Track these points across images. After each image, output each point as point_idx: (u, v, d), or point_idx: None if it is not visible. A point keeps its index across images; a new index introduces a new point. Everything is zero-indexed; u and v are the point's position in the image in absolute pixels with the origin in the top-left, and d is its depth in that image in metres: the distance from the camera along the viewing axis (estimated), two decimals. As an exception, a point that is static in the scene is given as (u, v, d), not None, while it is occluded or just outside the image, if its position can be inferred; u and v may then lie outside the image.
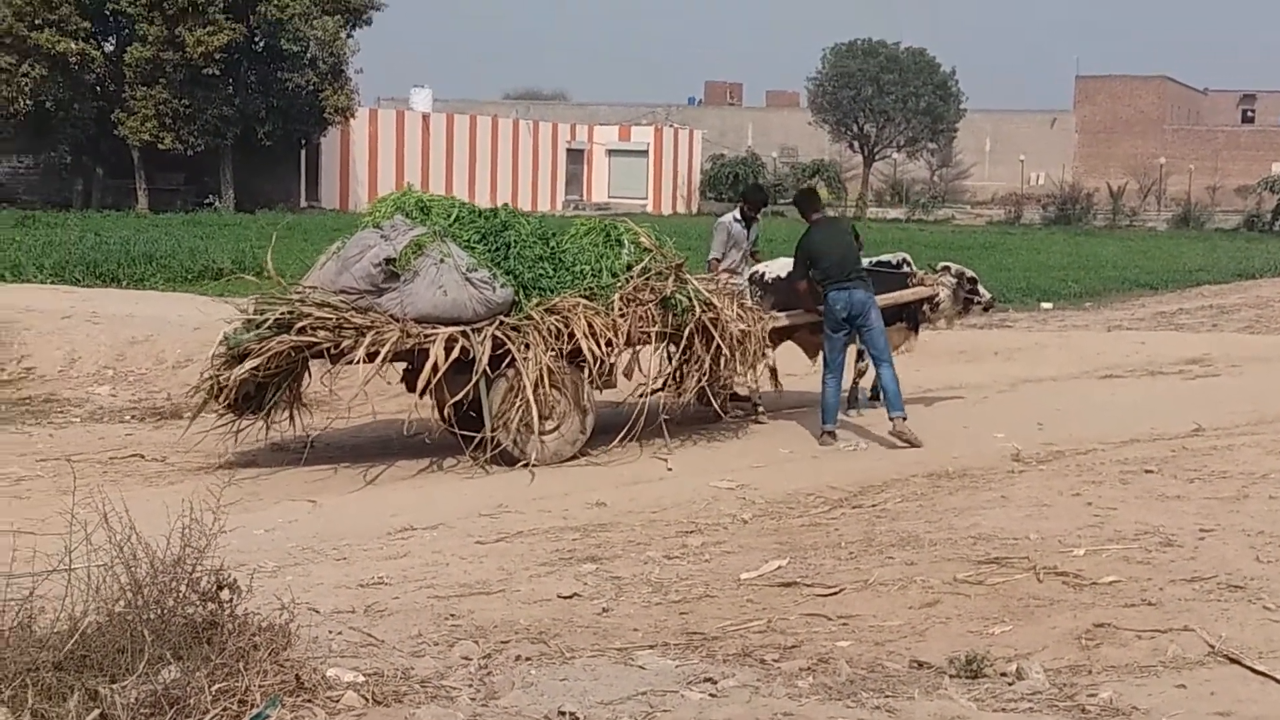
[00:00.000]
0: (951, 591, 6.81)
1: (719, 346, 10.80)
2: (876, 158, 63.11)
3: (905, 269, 12.50)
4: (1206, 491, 8.88)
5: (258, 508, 9.03)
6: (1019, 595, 6.71)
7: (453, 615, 6.53)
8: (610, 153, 60.21)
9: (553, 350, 10.05)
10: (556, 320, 10.16)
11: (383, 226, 10.28)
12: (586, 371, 10.29)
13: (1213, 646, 5.86)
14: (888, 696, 5.35)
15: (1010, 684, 5.48)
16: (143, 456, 10.47)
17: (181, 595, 5.16)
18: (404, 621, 6.39)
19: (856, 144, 63.24)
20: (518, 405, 9.94)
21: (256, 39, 41.28)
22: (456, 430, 10.10)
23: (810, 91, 64.35)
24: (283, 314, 9.78)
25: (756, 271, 12.46)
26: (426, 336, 9.81)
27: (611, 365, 10.59)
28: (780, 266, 12.38)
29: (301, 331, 9.69)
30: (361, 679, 5.12)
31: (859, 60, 61.13)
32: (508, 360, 10.02)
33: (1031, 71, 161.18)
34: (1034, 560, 7.24)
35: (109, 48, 40.90)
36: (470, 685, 5.38)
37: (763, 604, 6.74)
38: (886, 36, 62.25)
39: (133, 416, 12.71)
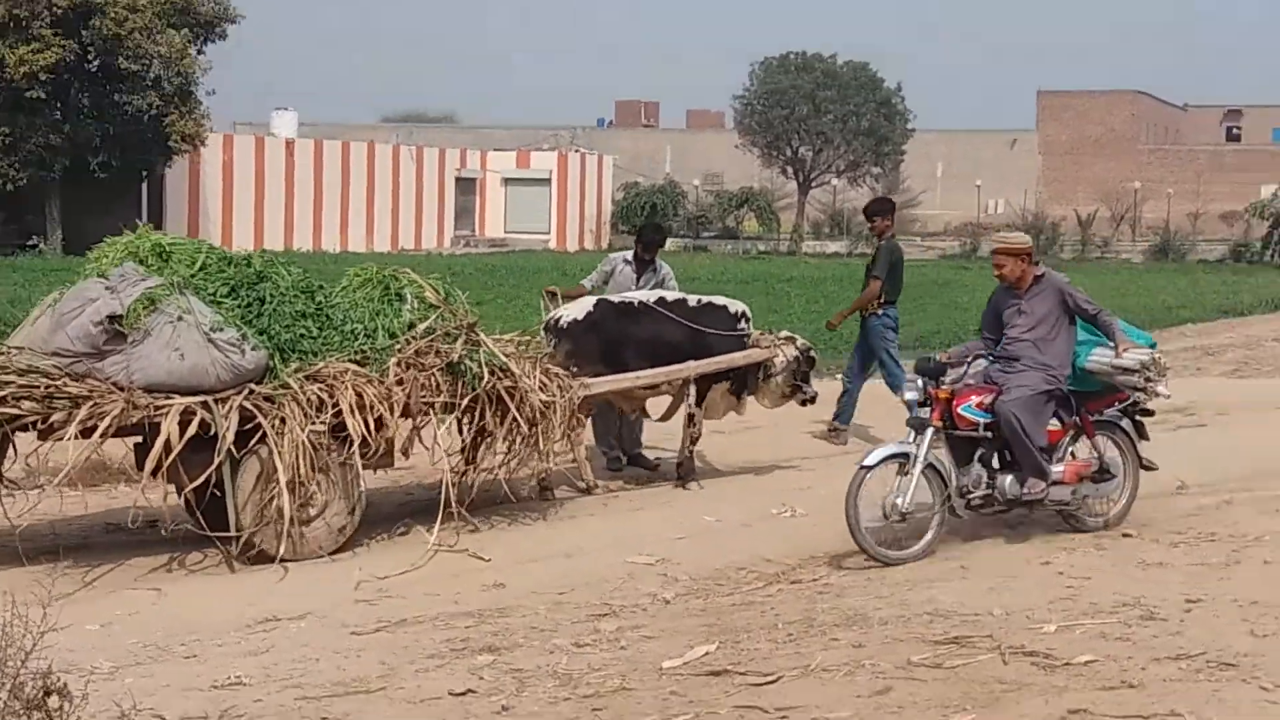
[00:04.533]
0: (905, 677, 6.85)
1: (515, 419, 10.64)
2: (813, 185, 63.85)
3: (743, 325, 12.40)
4: (1193, 557, 9.03)
5: (91, 599, 8.88)
6: (982, 679, 6.77)
7: (325, 719, 6.46)
8: (507, 181, 60.42)
9: (314, 425, 9.74)
10: (319, 389, 9.88)
11: (109, 276, 9.91)
12: (356, 449, 9.94)
13: (1202, 732, 5.94)
14: (833, 798, 5.37)
15: (974, 780, 5.52)
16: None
17: (2, 704, 5.08)
18: (267, 728, 6.32)
19: (790, 169, 63.97)
20: (270, 491, 9.60)
21: (90, 57, 40.98)
22: (200, 521, 9.72)
23: (737, 111, 65.07)
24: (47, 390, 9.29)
25: (552, 316, 12.23)
26: (158, 408, 9.44)
27: (389, 441, 10.25)
28: (580, 308, 12.16)
29: (2, 402, 9.26)
30: (216, 795, 5.05)
31: (792, 75, 61.96)
32: (259, 436, 9.70)
33: (988, 86, 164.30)
34: (999, 639, 7.32)
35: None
36: (346, 799, 5.32)
37: (689, 696, 6.74)
38: (823, 49, 63.14)
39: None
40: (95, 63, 41.24)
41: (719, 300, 12.64)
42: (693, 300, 12.40)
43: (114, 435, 9.61)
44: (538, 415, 10.72)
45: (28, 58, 38.18)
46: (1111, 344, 9.66)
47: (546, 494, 11.54)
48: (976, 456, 9.46)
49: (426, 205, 56.33)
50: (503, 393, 10.60)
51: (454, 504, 10.19)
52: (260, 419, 9.62)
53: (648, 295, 12.41)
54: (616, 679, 7.04)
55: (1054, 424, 9.66)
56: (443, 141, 64.28)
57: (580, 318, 12.01)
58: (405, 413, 10.26)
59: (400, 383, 10.17)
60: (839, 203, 64.75)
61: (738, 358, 12.14)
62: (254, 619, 8.33)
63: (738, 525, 10.64)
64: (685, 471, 12.15)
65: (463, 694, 6.86)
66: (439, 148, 59.25)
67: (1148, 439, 10.09)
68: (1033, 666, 6.93)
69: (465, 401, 10.49)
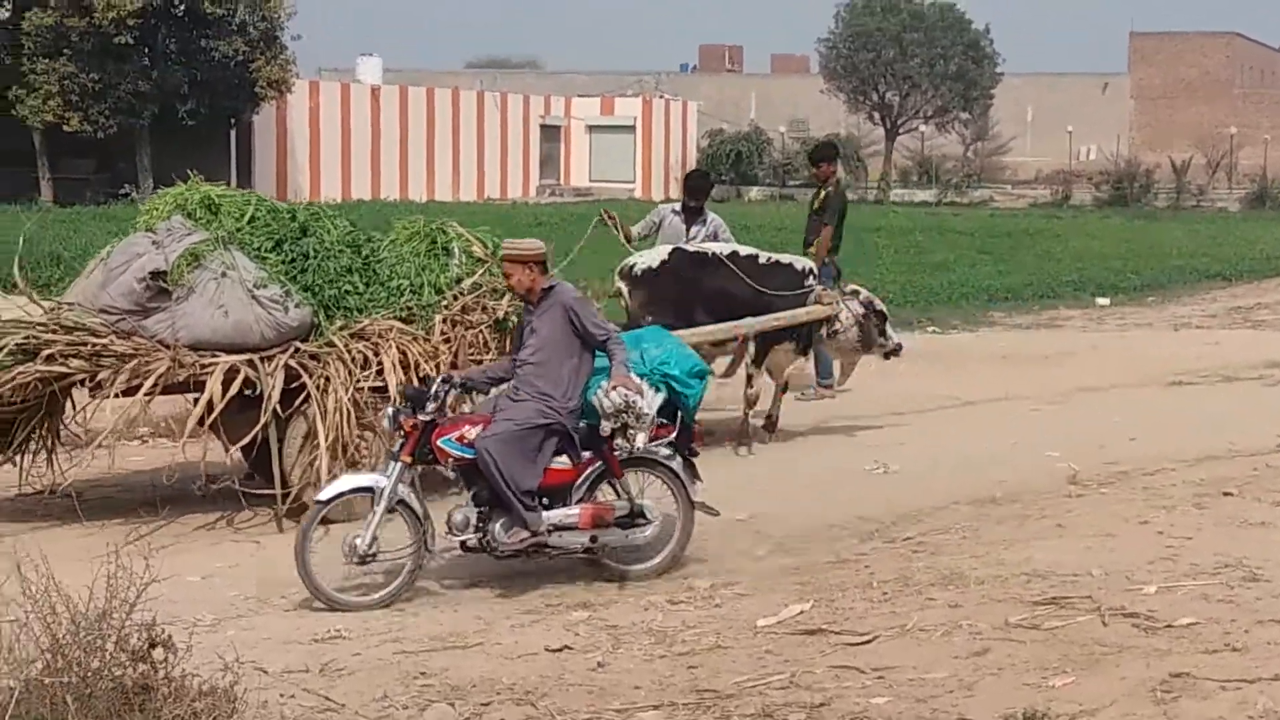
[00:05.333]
0: (1003, 638, 6.83)
1: None
2: (900, 131, 63.19)
3: (810, 282, 12.19)
4: (1296, 516, 8.92)
5: (192, 550, 9.02)
6: (1081, 641, 6.74)
7: (423, 673, 6.55)
8: (591, 129, 60.26)
9: (358, 383, 9.65)
10: (364, 347, 9.81)
11: (157, 230, 9.95)
12: None
13: (1309, 698, 5.88)
14: (934, 762, 5.37)
15: (1075, 745, 5.50)
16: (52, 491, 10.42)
17: (108, 655, 5.18)
18: (366, 681, 6.41)
19: (877, 115, 63.32)
20: (316, 451, 9.49)
21: (176, 2, 41.27)
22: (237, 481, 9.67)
23: (822, 55, 64.42)
24: (25, 339, 9.36)
25: (626, 264, 12.13)
26: (204, 367, 9.43)
27: None
28: (653, 257, 12.09)
29: (50, 360, 9.30)
30: (320, 750, 5.14)
31: (878, 18, 61.23)
32: (304, 395, 9.63)
33: (1078, 28, 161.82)
34: (1098, 600, 7.27)
35: (3, 14, 40.86)
36: (447, 755, 5.39)
37: (783, 655, 6.76)
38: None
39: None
40: (181, 7, 41.47)
41: (786, 258, 12.46)
42: (763, 258, 12.22)
43: (163, 393, 9.61)
44: None
45: (115, 2, 38.43)
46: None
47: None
48: (471, 495, 8.30)
49: (511, 153, 56.32)
50: None
51: None
52: (305, 378, 9.59)
53: (722, 248, 12.30)
54: (711, 637, 7.07)
55: (562, 462, 8.34)
56: (526, 88, 64.15)
57: (655, 266, 11.93)
58: (452, 370, 10.18)
59: (446, 340, 10.11)
60: (927, 149, 64.14)
61: (799, 314, 11.95)
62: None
63: (830, 483, 10.63)
64: (740, 435, 11.87)
65: (559, 650, 6.93)
66: (523, 94, 59.15)
67: (700, 480, 8.76)
68: (1133, 628, 6.88)
69: None
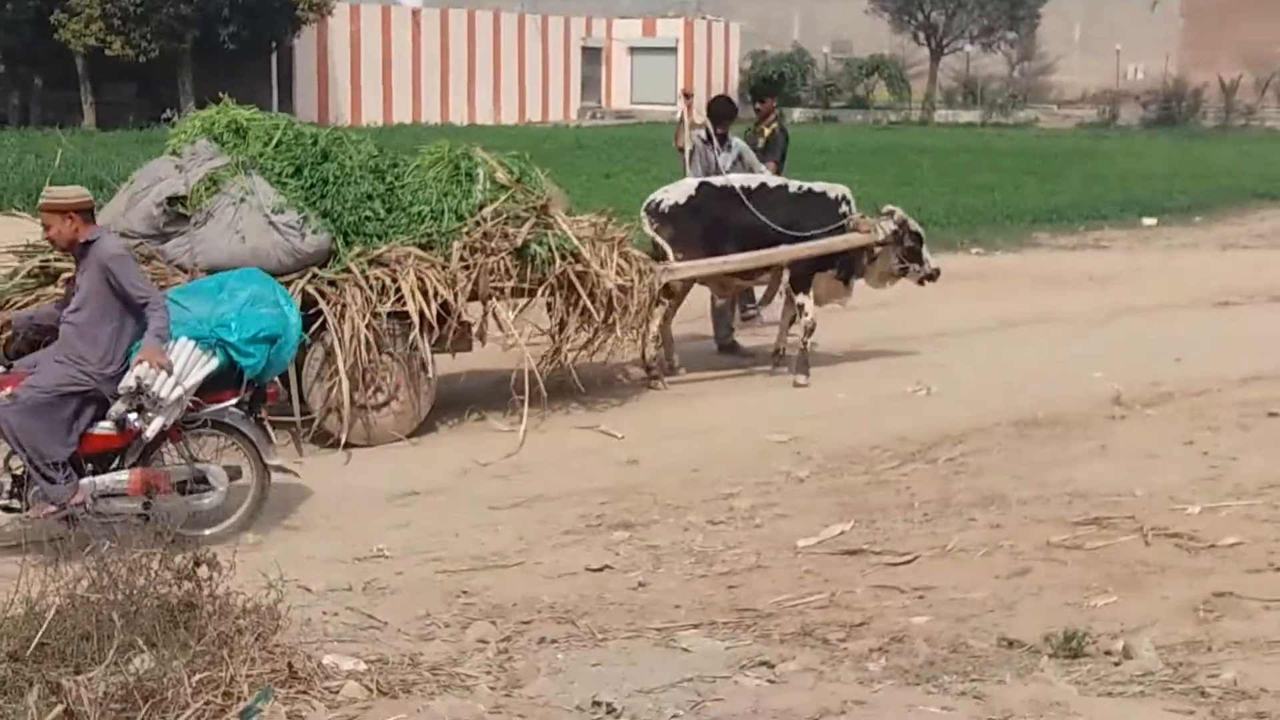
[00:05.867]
0: (1044, 558, 6.84)
1: (586, 306, 10.35)
2: (946, 51, 62.55)
3: (844, 208, 11.93)
4: (1342, 437, 8.87)
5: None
6: (1124, 561, 6.73)
7: (465, 592, 6.60)
8: (633, 51, 59.90)
9: (376, 310, 9.62)
10: (383, 273, 9.77)
11: (181, 154, 9.94)
12: (419, 334, 9.78)
13: (1352, 618, 5.86)
14: (974, 680, 5.37)
15: (1116, 664, 5.50)
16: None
17: (154, 574, 5.22)
18: (409, 600, 6.47)
19: (922, 35, 62.68)
20: (335, 377, 9.52)
21: (217, -76, 41.15)
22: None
23: (866, -26, 63.72)
24: (43, 262, 9.36)
25: (652, 199, 11.97)
26: None
27: (465, 325, 10.17)
28: (681, 192, 11.91)
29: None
30: (363, 667, 5.18)
31: (924, -64, 60.51)
32: (321, 322, 9.58)
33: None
34: (1140, 520, 7.26)
35: (45, -63, 40.79)
36: (489, 672, 5.44)
37: (824, 575, 6.78)
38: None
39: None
40: (221, -71, 41.39)
41: (819, 187, 12.20)
42: (793, 187, 12.05)
43: None
44: (613, 301, 10.48)
45: (157, -74, 38.38)
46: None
47: (654, 381, 11.37)
48: (4, 461, 7.63)
49: (553, 76, 56.09)
50: (573, 278, 10.37)
51: (540, 387, 10.07)
52: (321, 304, 9.58)
53: (750, 180, 12.11)
54: (751, 557, 7.10)
55: (107, 428, 7.55)
56: (567, 10, 63.71)
57: (682, 202, 11.78)
58: (474, 297, 10.16)
59: (466, 267, 10.04)
60: (972, 70, 63.51)
61: (835, 242, 11.73)
62: (394, 493, 8.50)
63: (869, 405, 10.60)
64: (798, 366, 11.60)
65: (599, 570, 6.97)
66: (564, 16, 58.81)
67: (272, 441, 8.29)
68: (1176, 548, 6.87)
69: (539, 288, 10.33)
